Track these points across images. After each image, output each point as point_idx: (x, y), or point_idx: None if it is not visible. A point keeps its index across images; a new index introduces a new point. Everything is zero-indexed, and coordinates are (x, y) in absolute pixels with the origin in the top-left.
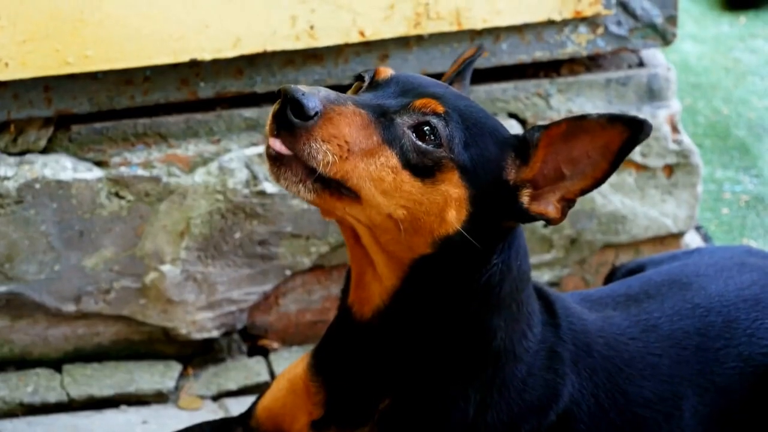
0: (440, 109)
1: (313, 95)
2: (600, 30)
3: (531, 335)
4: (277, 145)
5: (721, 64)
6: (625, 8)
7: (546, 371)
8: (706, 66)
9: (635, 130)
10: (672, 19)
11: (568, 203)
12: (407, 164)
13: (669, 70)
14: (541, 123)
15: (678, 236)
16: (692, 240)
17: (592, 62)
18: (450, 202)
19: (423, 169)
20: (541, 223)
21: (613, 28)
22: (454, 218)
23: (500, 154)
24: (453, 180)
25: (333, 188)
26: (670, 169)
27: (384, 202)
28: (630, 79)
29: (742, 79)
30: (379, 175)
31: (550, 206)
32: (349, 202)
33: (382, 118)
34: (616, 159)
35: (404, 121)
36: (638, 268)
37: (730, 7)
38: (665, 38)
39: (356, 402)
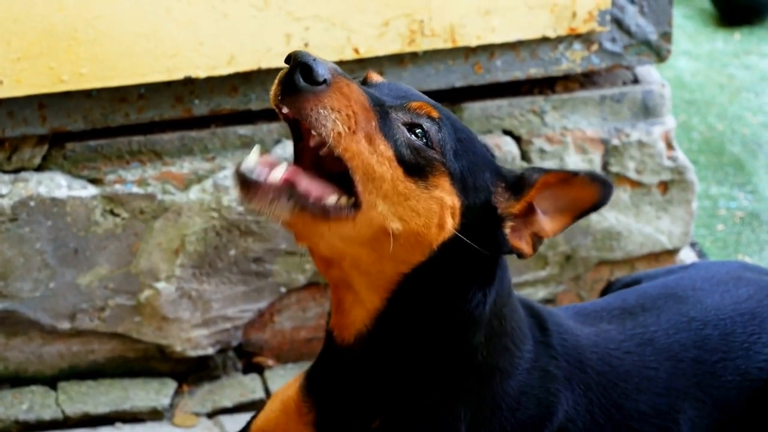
0: (435, 114)
1: (324, 63)
2: (594, 47)
3: (518, 352)
4: (284, 110)
5: (715, 81)
6: (620, 25)
7: (539, 389)
8: (700, 82)
9: (605, 193)
10: (666, 36)
11: (539, 239)
12: (401, 160)
13: (664, 86)
14: (535, 166)
15: (673, 253)
16: (687, 256)
17: (586, 79)
18: (446, 210)
19: (416, 168)
20: None
21: (608, 45)
22: (451, 225)
23: (491, 178)
24: (446, 186)
25: (313, 208)
26: (665, 186)
27: (384, 210)
28: (625, 95)
29: (736, 95)
30: (380, 170)
31: (523, 241)
32: (335, 220)
33: (379, 108)
34: (582, 213)
35: (399, 117)
36: (634, 283)
37: (724, 23)
38: (660, 55)
39: (347, 423)
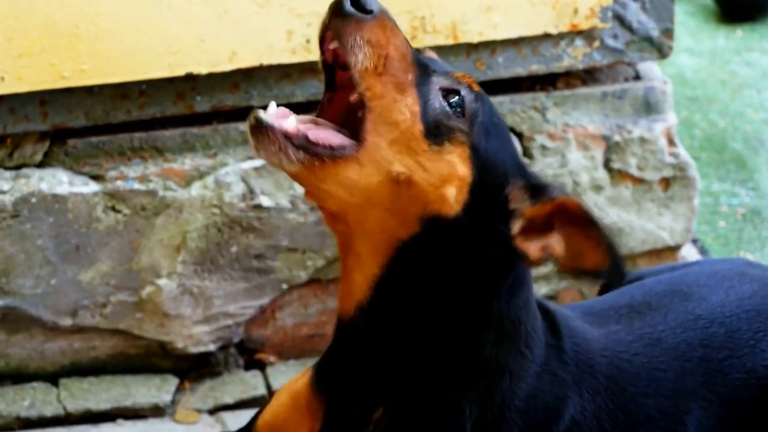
0: (476, 87)
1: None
2: (596, 43)
3: (530, 355)
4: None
5: (717, 78)
6: (622, 21)
7: (548, 393)
8: (702, 79)
9: (615, 275)
10: (668, 33)
11: (547, 256)
12: (425, 119)
13: (665, 83)
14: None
15: (675, 249)
16: (689, 253)
17: (588, 75)
18: (453, 178)
19: (437, 131)
20: None
21: (610, 42)
22: (453, 198)
23: (512, 170)
24: (462, 156)
25: (322, 153)
26: (666, 183)
27: (388, 153)
28: (626, 92)
29: (738, 92)
30: (398, 118)
31: (532, 248)
32: (342, 164)
33: (422, 68)
34: (581, 270)
35: (439, 81)
36: (636, 280)
37: (726, 20)
38: (661, 51)
39: (352, 412)
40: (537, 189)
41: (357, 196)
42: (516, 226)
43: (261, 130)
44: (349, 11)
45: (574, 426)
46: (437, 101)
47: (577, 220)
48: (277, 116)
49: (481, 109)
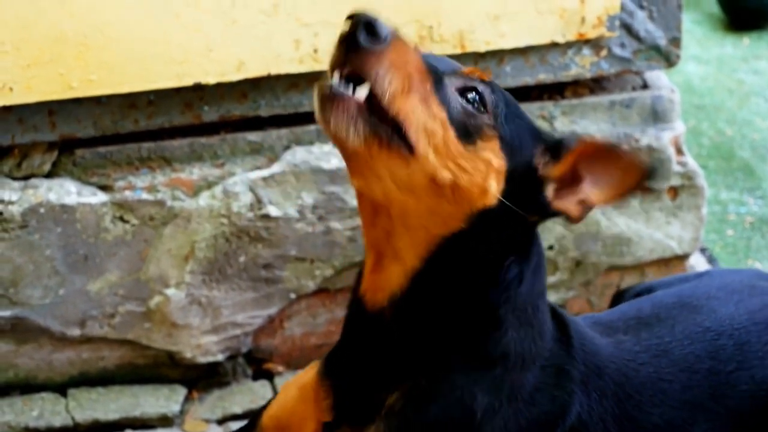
0: (486, 77)
1: (384, 23)
2: (604, 52)
3: (541, 345)
4: (345, 71)
5: (724, 86)
6: (629, 30)
7: (555, 387)
8: (709, 87)
9: (648, 174)
10: (675, 41)
11: (587, 206)
12: (453, 122)
13: (673, 91)
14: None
15: (683, 258)
16: (697, 262)
17: (596, 84)
18: (491, 172)
19: (467, 132)
20: (545, 246)
21: (617, 51)
22: (495, 189)
23: (533, 141)
24: (494, 149)
25: (384, 136)
26: (674, 191)
27: (435, 161)
28: (634, 101)
29: (746, 100)
30: (432, 126)
31: (571, 205)
32: (396, 157)
33: (433, 72)
34: (626, 192)
35: (452, 82)
36: (647, 291)
37: (733, 28)
38: (669, 60)
39: (365, 398)
40: (555, 148)
41: (404, 190)
42: (550, 191)
43: (332, 98)
44: (367, 46)
45: (581, 425)
46: (458, 102)
47: (600, 154)
48: (346, 86)
49: (498, 98)
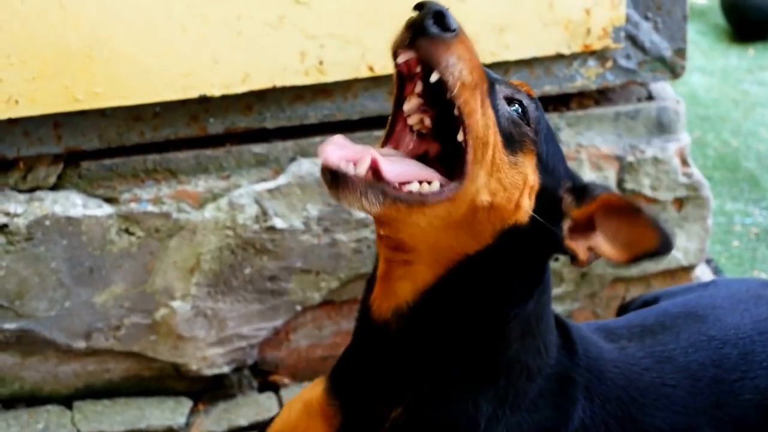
0: (533, 93)
1: (452, 15)
2: (609, 63)
3: (545, 355)
4: (409, 55)
5: (729, 97)
6: (634, 42)
7: (558, 395)
8: (714, 98)
9: (665, 246)
10: (680, 52)
11: (594, 255)
12: (501, 129)
13: (678, 103)
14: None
15: (689, 269)
16: (703, 273)
17: (601, 96)
18: (527, 188)
19: (512, 140)
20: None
21: (622, 62)
22: (528, 206)
23: (563, 173)
24: (532, 164)
25: (409, 197)
26: (680, 203)
27: (482, 181)
28: (639, 112)
29: (750, 111)
30: (488, 133)
31: (580, 247)
32: (435, 204)
33: (488, 77)
34: (638, 257)
35: (502, 90)
36: (653, 301)
37: (738, 39)
38: (674, 71)
39: (370, 413)
40: (581, 189)
41: (438, 227)
42: (565, 227)
43: (337, 179)
44: (434, 33)
45: (584, 430)
46: (506, 110)
47: (621, 212)
48: (347, 160)
49: (541, 116)
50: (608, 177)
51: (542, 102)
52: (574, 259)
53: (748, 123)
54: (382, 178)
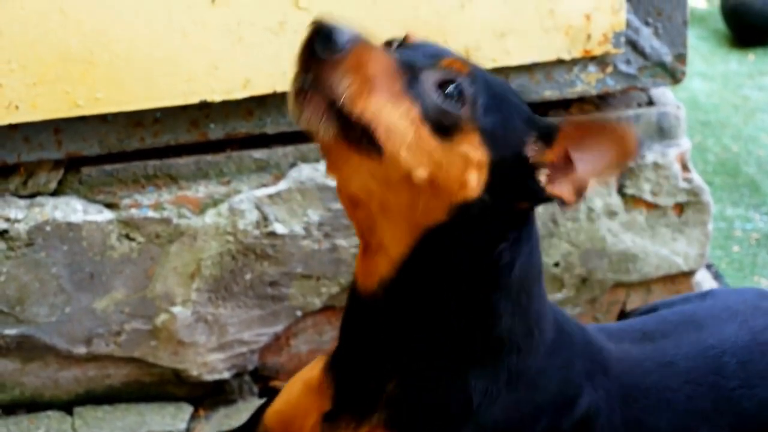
0: (466, 69)
1: (344, 30)
2: (609, 69)
3: (538, 335)
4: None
5: (730, 102)
6: (635, 47)
7: (562, 377)
8: (715, 103)
9: (632, 146)
10: (681, 58)
11: (580, 189)
12: (427, 119)
13: (678, 108)
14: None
15: (689, 275)
16: (703, 278)
17: (601, 101)
18: (470, 166)
19: (443, 127)
20: (551, 263)
21: (623, 67)
22: (475, 183)
23: (522, 129)
24: (474, 142)
25: (353, 136)
26: (680, 208)
27: (407, 158)
28: (640, 117)
29: (751, 116)
30: (402, 125)
31: (564, 189)
32: (367, 156)
33: (408, 70)
34: (620, 163)
35: (428, 77)
36: (651, 311)
37: (738, 44)
38: (674, 76)
39: (365, 386)
40: (546, 134)
41: (380, 186)
42: (542, 177)
43: (305, 93)
44: (323, 55)
45: (590, 418)
46: (433, 97)
47: (587, 133)
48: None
49: (478, 90)
50: (608, 182)
51: (543, 107)
52: (562, 203)
53: (748, 128)
54: (342, 109)
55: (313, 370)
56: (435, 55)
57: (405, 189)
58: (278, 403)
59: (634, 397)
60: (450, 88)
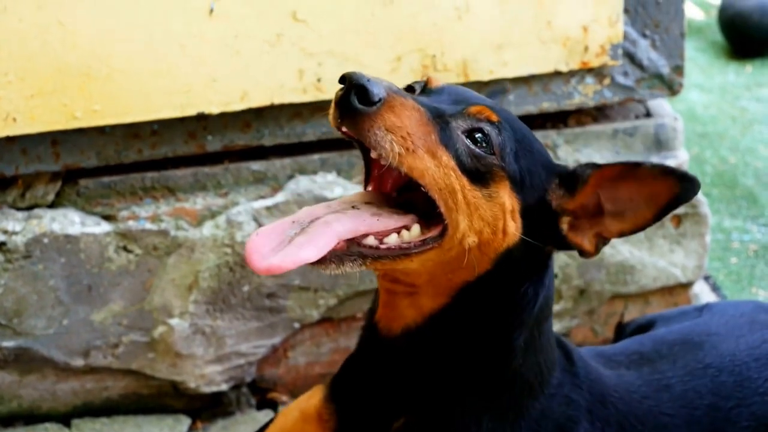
0: (494, 117)
1: (378, 82)
2: (607, 81)
3: (547, 372)
4: (342, 130)
5: (727, 113)
6: (632, 59)
7: (560, 415)
8: (712, 115)
9: (686, 187)
10: (678, 69)
11: (603, 240)
12: (464, 169)
13: (676, 119)
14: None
15: (687, 286)
16: (701, 290)
17: (599, 113)
18: (507, 214)
19: (478, 175)
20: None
21: (620, 79)
22: (514, 229)
23: (545, 176)
24: (506, 190)
25: (391, 253)
26: (678, 219)
27: (465, 226)
28: (637, 129)
29: (748, 128)
30: (449, 181)
31: (585, 239)
32: (422, 253)
33: (438, 119)
34: (662, 211)
35: (458, 125)
36: (648, 324)
37: (736, 56)
38: (672, 88)
39: (371, 422)
40: (569, 179)
41: (431, 267)
42: (564, 224)
43: (318, 263)
44: (359, 109)
45: None
46: (464, 147)
47: (622, 178)
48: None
49: (506, 138)
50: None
51: (540, 119)
52: (582, 252)
53: (746, 140)
54: (354, 242)
55: (311, 399)
56: (461, 101)
57: (456, 260)
58: (273, 431)
59: (631, 424)
60: (478, 137)
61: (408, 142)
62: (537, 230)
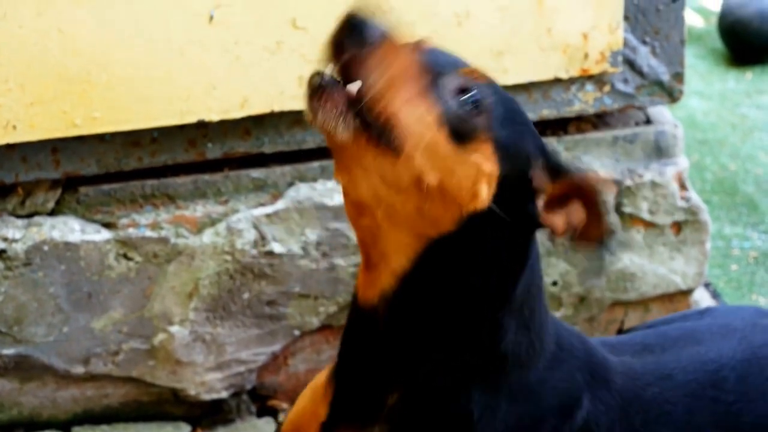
0: (485, 80)
1: (375, 25)
2: (607, 88)
3: (540, 350)
4: (329, 70)
5: (727, 120)
6: (632, 66)
7: (560, 389)
8: (712, 122)
9: (607, 249)
10: (678, 76)
11: (571, 227)
12: (445, 123)
13: (676, 126)
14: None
15: (687, 293)
16: (701, 297)
17: (599, 120)
18: (482, 176)
19: (460, 133)
20: (549, 282)
21: (620, 86)
22: (485, 194)
23: (532, 151)
24: (486, 152)
25: (373, 132)
26: (678, 227)
27: (423, 161)
28: (637, 136)
29: (749, 135)
30: (422, 126)
31: (557, 221)
32: (384, 154)
33: (428, 72)
34: (578, 239)
35: (450, 82)
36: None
37: (736, 63)
38: (672, 95)
39: (365, 397)
40: (556, 167)
41: (391, 189)
42: (540, 203)
43: (324, 90)
44: (351, 46)
45: (589, 430)
46: (453, 102)
47: (587, 199)
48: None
49: (496, 101)
50: (606, 201)
51: (540, 126)
52: (552, 232)
53: (746, 147)
54: (361, 103)
55: (320, 377)
56: (454, 62)
57: (414, 194)
58: (292, 414)
59: (634, 409)
60: (469, 95)
61: (393, 82)
62: (513, 202)
